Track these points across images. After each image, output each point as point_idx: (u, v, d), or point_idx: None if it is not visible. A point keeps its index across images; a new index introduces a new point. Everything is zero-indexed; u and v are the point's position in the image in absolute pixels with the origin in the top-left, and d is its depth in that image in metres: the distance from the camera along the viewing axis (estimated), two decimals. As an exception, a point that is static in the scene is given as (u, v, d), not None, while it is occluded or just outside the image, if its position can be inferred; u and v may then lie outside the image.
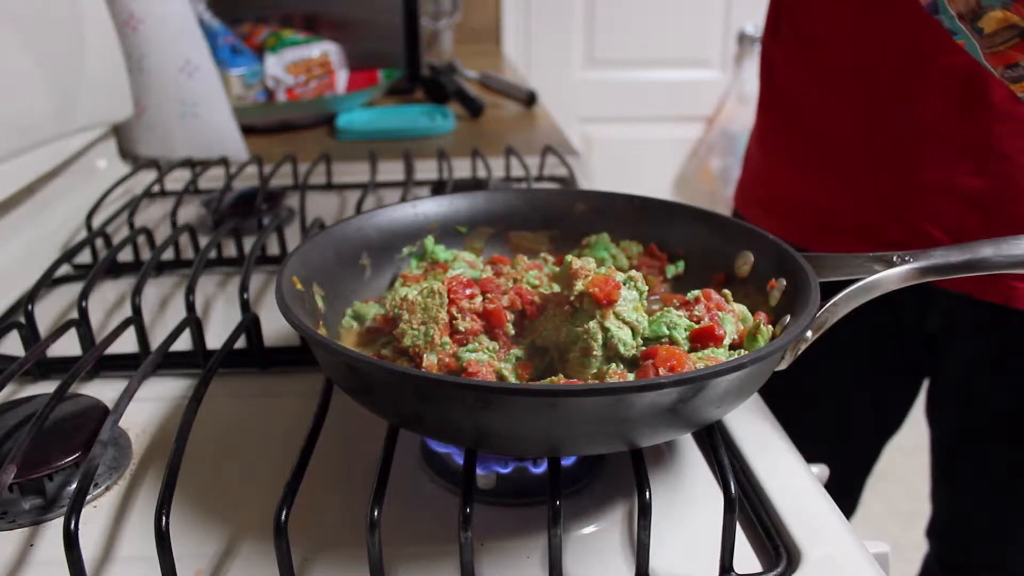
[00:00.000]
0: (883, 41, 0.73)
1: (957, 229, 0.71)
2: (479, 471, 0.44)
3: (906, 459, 1.23)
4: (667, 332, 0.46)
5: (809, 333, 0.45)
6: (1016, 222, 0.69)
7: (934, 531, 0.93)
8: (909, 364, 0.89)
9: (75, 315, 0.59)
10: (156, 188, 0.96)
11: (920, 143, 0.72)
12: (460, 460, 0.44)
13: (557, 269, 0.53)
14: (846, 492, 1.01)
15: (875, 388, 0.92)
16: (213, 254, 0.78)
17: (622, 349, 0.45)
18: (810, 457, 0.51)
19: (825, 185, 0.80)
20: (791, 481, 0.47)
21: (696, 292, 0.49)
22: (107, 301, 0.72)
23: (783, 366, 0.45)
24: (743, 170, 0.96)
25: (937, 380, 0.87)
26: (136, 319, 0.58)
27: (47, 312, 0.69)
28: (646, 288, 0.48)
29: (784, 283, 0.49)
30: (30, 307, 0.59)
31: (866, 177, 0.77)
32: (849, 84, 0.76)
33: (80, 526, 0.37)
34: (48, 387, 0.53)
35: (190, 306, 0.59)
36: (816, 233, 0.81)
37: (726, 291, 0.50)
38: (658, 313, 0.48)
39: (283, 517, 0.38)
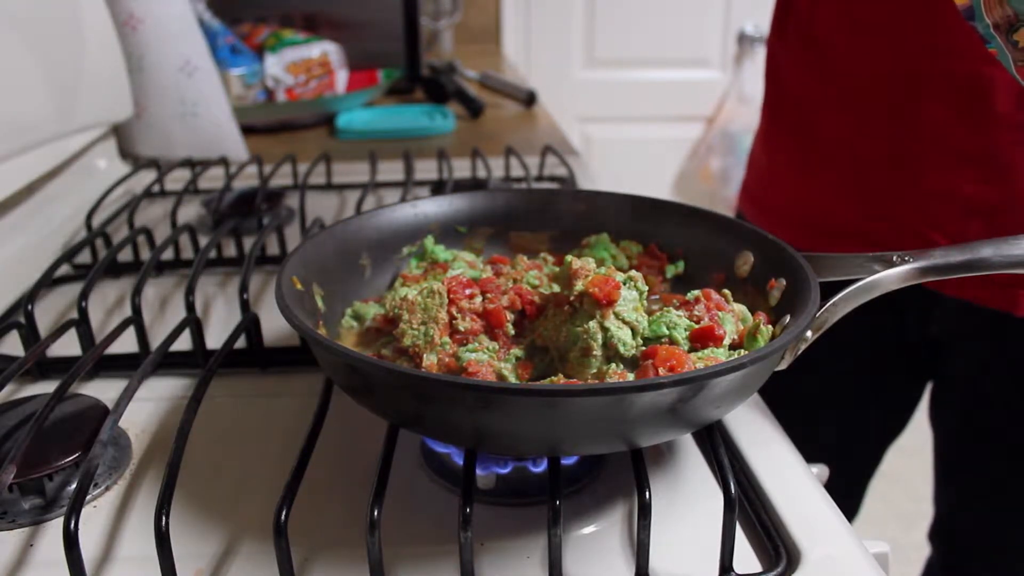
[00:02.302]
0: (888, 45, 0.72)
1: (960, 236, 0.71)
2: (479, 471, 0.44)
3: (907, 460, 1.23)
4: (667, 332, 0.46)
5: (809, 333, 0.45)
6: (1019, 230, 0.69)
7: (936, 534, 0.93)
8: (912, 367, 0.89)
9: (75, 315, 0.59)
10: (156, 188, 0.96)
11: (923, 149, 0.72)
12: (460, 460, 0.44)
13: (557, 269, 0.53)
14: (848, 494, 1.01)
15: (877, 390, 0.92)
16: (213, 254, 0.78)
17: (622, 349, 0.45)
18: (811, 458, 0.51)
19: (829, 189, 0.80)
20: (791, 481, 0.47)
21: (696, 292, 0.49)
22: (107, 301, 0.72)
23: (783, 366, 0.45)
24: (747, 171, 0.96)
25: (940, 383, 0.87)
26: (136, 319, 0.58)
27: (47, 312, 0.69)
28: (646, 288, 0.48)
29: (784, 283, 0.49)
30: (30, 307, 0.59)
31: (870, 182, 0.77)
32: (854, 88, 0.76)
33: (80, 526, 0.37)
34: (48, 387, 0.53)
35: (190, 306, 0.59)
36: (818, 237, 0.81)
37: (726, 291, 0.50)
38: (658, 313, 0.48)
39: (283, 517, 0.38)
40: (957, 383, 0.84)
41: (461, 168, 1.01)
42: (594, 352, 0.45)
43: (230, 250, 0.80)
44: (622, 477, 0.47)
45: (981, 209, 0.70)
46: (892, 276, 0.46)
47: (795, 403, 0.68)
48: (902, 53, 0.71)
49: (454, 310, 0.47)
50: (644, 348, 0.45)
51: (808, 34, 0.81)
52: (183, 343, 0.57)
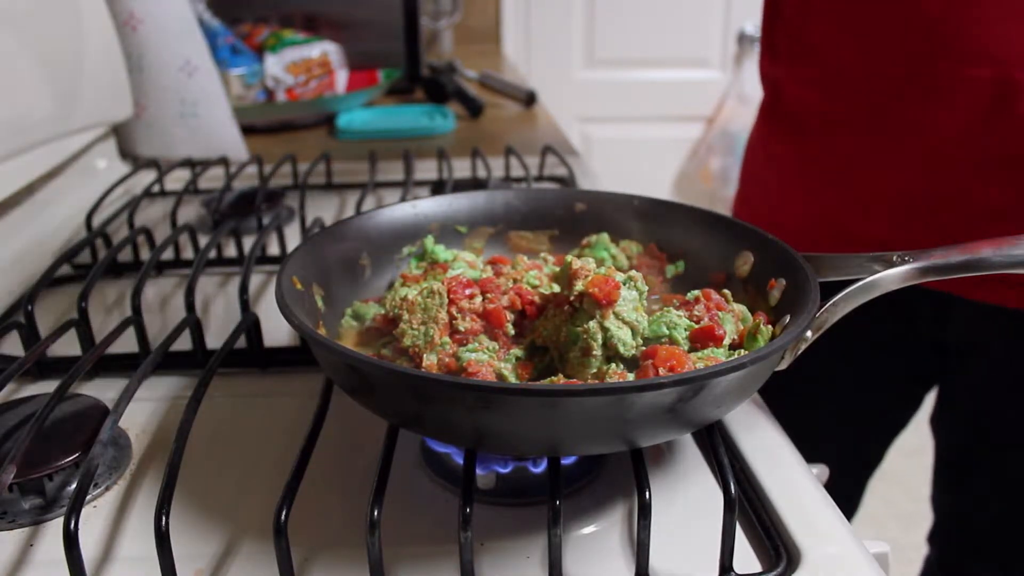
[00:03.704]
0: (898, 52, 0.70)
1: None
2: (479, 471, 0.44)
3: (906, 460, 1.23)
4: (667, 332, 0.46)
5: (809, 333, 0.45)
6: None
7: (937, 537, 0.93)
8: (918, 373, 0.88)
9: (75, 315, 0.59)
10: (156, 188, 0.96)
11: (938, 156, 0.70)
12: (460, 460, 0.44)
13: (557, 269, 0.53)
14: (847, 495, 1.01)
15: (879, 395, 0.91)
16: (213, 254, 0.78)
17: (622, 349, 0.45)
18: (811, 458, 0.51)
19: (843, 203, 0.78)
20: (791, 481, 0.47)
21: (696, 292, 0.49)
22: (107, 301, 0.72)
23: (783, 366, 0.45)
24: (742, 186, 0.94)
25: (950, 389, 0.86)
26: (136, 319, 0.58)
27: (47, 312, 0.69)
28: (646, 288, 0.48)
29: (784, 283, 0.49)
30: (30, 307, 0.59)
31: (884, 193, 0.75)
32: (864, 103, 0.74)
33: (80, 526, 0.37)
34: (48, 387, 0.53)
35: (190, 306, 0.59)
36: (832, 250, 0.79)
37: (726, 291, 0.50)
38: (658, 313, 0.48)
39: (283, 517, 0.38)
40: (973, 386, 0.82)
41: (461, 168, 1.01)
42: (594, 352, 0.45)
43: (230, 250, 0.80)
44: (622, 477, 0.47)
45: (999, 214, 0.69)
46: (892, 276, 0.46)
47: (796, 404, 0.67)
48: (915, 61, 0.69)
49: (454, 310, 0.47)
50: (644, 348, 0.45)
51: (804, 48, 0.78)
52: (183, 343, 0.57)
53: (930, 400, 0.92)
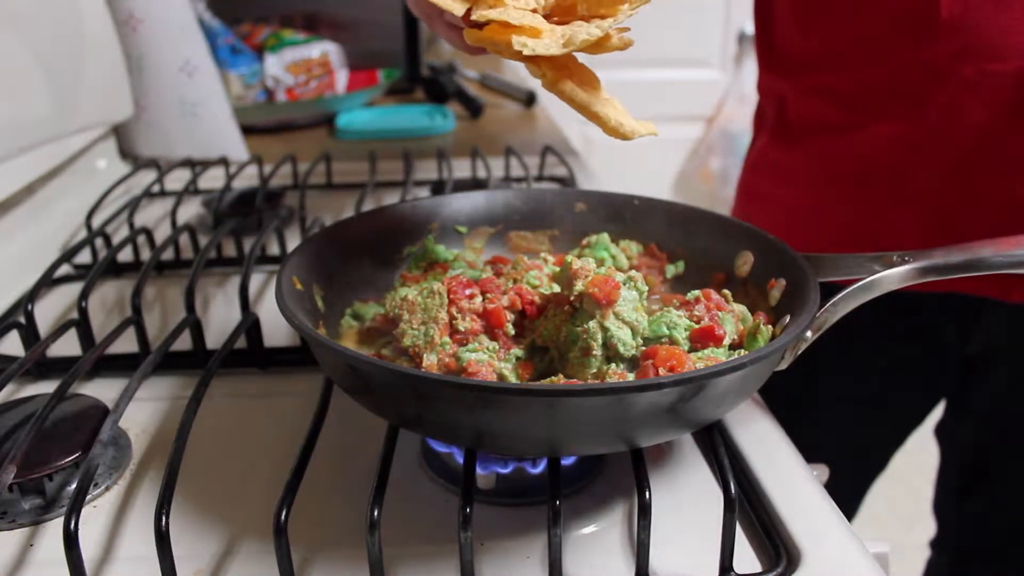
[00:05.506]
0: (917, 60, 0.68)
1: None
2: (479, 471, 0.44)
3: (908, 460, 1.22)
4: (667, 332, 0.46)
5: (809, 333, 0.45)
6: None
7: (945, 543, 0.92)
8: (933, 385, 0.87)
9: (75, 315, 0.59)
10: (156, 188, 0.96)
11: (967, 154, 0.68)
12: (460, 460, 0.44)
13: (557, 269, 0.53)
14: (847, 498, 1.01)
15: (889, 403, 0.91)
16: (213, 254, 0.78)
17: (622, 349, 0.45)
18: (810, 459, 0.51)
19: (864, 211, 0.76)
20: (791, 481, 0.47)
21: (696, 292, 0.49)
22: (107, 301, 0.72)
23: (783, 366, 0.45)
24: (743, 202, 0.91)
25: (966, 397, 0.85)
26: (136, 319, 0.58)
27: (47, 312, 0.69)
28: (646, 288, 0.48)
29: (784, 283, 0.49)
30: (30, 307, 0.59)
31: (911, 197, 0.72)
32: (885, 106, 0.72)
33: (80, 526, 0.37)
34: (48, 387, 0.53)
35: (190, 306, 0.59)
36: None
37: (726, 291, 0.50)
38: (658, 313, 0.48)
39: (283, 517, 0.38)
40: (994, 392, 0.81)
41: (461, 168, 1.01)
42: (594, 352, 0.45)
43: (230, 250, 0.80)
44: (622, 477, 0.47)
45: None
46: (892, 276, 0.46)
47: (796, 404, 0.67)
48: (938, 64, 0.67)
49: (454, 310, 0.47)
50: (644, 348, 0.45)
51: (808, 60, 0.76)
52: (183, 343, 0.57)
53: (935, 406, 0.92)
